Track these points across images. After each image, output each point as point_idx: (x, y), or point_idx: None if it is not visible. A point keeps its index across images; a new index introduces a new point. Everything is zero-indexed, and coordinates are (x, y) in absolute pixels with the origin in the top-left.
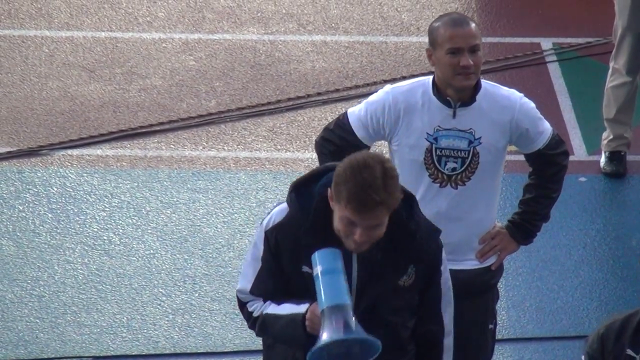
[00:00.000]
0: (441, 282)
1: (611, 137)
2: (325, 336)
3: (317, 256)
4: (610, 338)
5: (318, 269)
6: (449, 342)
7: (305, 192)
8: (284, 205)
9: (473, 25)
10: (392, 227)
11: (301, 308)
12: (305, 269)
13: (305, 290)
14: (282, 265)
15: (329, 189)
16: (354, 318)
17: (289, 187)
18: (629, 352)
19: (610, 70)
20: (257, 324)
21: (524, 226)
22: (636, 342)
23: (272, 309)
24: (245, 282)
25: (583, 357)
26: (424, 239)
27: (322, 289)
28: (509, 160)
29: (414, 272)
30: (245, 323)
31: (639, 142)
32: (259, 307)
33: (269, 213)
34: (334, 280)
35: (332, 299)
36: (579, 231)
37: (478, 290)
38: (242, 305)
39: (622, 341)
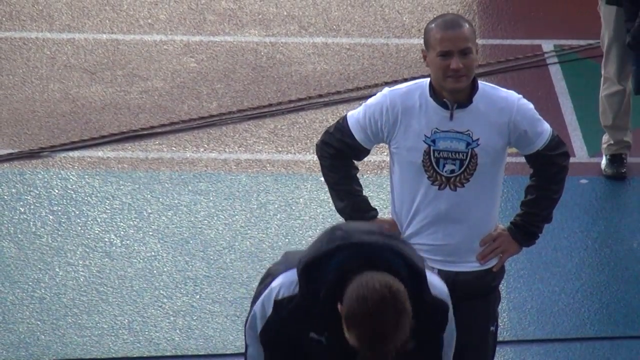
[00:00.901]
0: (443, 337)
1: (611, 141)
2: None
3: None
4: None
5: None
6: None
7: (316, 275)
8: (294, 277)
9: (466, 27)
10: None
11: None
12: (312, 335)
13: (312, 357)
14: (288, 333)
15: (339, 305)
16: None
17: (299, 266)
18: None
19: (602, 79)
20: None
21: (526, 228)
22: None
23: None
24: (253, 324)
25: None
26: (430, 316)
27: None
28: (510, 162)
29: (414, 337)
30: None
31: (638, 145)
32: None
33: (276, 277)
34: None
35: None
36: (580, 233)
37: (479, 293)
38: (245, 341)
39: None
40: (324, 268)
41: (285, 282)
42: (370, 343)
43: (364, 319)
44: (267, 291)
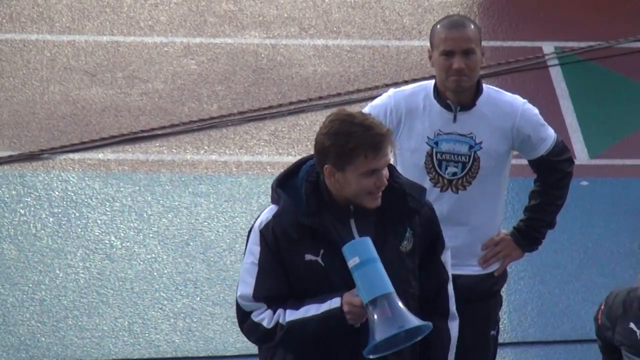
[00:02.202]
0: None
1: None
2: (380, 330)
3: (351, 248)
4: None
5: (355, 260)
6: (451, 288)
7: (289, 186)
8: (271, 206)
9: (471, 27)
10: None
11: (332, 303)
12: (308, 257)
13: (310, 279)
14: (283, 260)
15: (326, 167)
16: (401, 304)
17: (273, 185)
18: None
19: None
20: (280, 335)
21: (529, 233)
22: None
23: (292, 315)
24: (246, 287)
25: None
26: (412, 195)
27: (365, 279)
28: (512, 164)
29: (412, 236)
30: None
31: (638, 146)
32: (269, 318)
33: (257, 219)
34: (375, 269)
35: (379, 289)
36: (581, 235)
37: (480, 297)
38: (245, 316)
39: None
40: (294, 178)
41: (265, 212)
42: (370, 138)
43: (348, 128)
44: (250, 237)
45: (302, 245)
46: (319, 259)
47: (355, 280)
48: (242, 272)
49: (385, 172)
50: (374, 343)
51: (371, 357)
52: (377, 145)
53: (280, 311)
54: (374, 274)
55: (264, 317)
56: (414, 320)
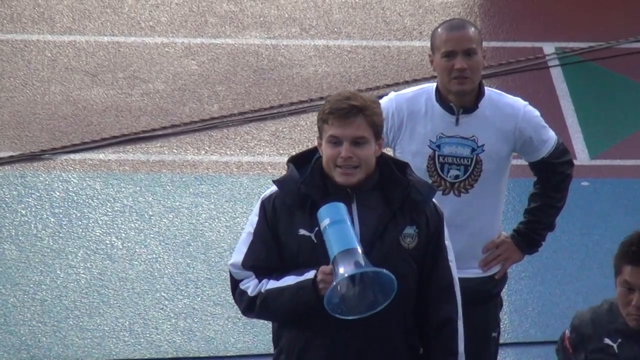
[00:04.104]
0: (449, 259)
1: None
2: (340, 275)
3: (322, 210)
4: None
5: (325, 223)
6: (461, 326)
7: (302, 162)
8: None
9: (471, 29)
10: (385, 177)
11: (308, 274)
12: (302, 232)
13: (301, 254)
14: (278, 231)
15: (317, 139)
16: (364, 258)
17: (288, 160)
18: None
19: None
20: (258, 303)
21: (529, 236)
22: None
23: (273, 284)
24: (238, 256)
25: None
26: (416, 188)
27: (330, 238)
28: (512, 165)
29: (417, 234)
30: (243, 319)
31: (638, 147)
32: (253, 286)
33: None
34: (340, 228)
35: (341, 245)
36: (581, 235)
37: (481, 299)
38: (235, 285)
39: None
40: (309, 156)
41: (272, 188)
42: (338, 104)
43: (331, 97)
44: (253, 210)
45: (299, 219)
46: (312, 236)
47: (325, 242)
48: (238, 241)
49: (365, 152)
50: (334, 283)
51: (337, 316)
52: (343, 111)
53: (264, 281)
54: (340, 232)
55: (250, 286)
56: (374, 268)
